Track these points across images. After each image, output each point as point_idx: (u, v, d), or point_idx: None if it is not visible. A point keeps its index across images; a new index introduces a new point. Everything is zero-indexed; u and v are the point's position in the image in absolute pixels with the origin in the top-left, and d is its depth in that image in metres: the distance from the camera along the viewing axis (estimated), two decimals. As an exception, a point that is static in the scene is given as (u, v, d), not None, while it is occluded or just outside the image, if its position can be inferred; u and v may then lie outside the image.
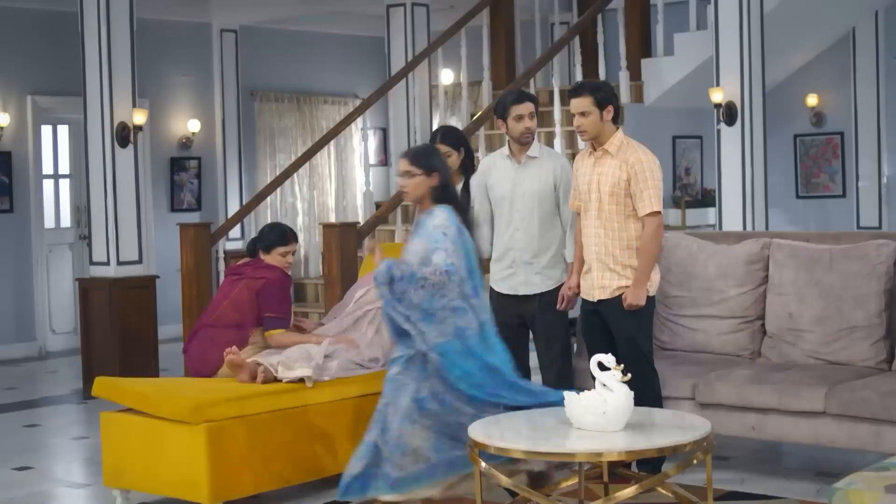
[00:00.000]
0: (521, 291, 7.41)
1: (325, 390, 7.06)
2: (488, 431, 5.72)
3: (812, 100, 14.42)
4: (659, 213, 6.79)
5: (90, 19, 10.94)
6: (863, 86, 14.12)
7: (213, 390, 6.84)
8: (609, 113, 6.85)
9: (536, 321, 7.44)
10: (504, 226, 7.45)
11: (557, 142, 11.71)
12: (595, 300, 6.97)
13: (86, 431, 9.26)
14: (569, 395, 5.70)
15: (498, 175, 7.47)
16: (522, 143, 7.39)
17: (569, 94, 6.99)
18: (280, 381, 7.00)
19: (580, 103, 6.85)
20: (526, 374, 7.64)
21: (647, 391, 6.48)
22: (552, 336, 7.42)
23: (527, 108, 7.35)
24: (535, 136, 7.50)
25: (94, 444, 8.49)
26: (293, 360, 7.05)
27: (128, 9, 10.99)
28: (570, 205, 7.21)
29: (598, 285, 6.93)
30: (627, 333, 6.88)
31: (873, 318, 7.10)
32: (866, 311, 7.12)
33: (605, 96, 6.84)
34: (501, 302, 7.49)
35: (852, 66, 14.17)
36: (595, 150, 6.97)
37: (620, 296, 6.83)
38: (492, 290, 7.60)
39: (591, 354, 5.91)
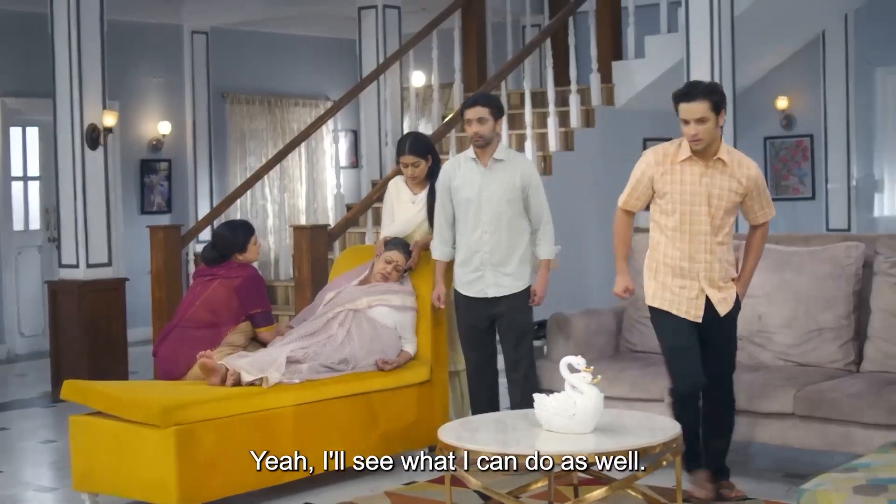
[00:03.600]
0: (491, 294, 7.42)
1: (295, 393, 7.04)
2: (458, 434, 5.73)
3: (782, 102, 14.47)
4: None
5: (60, 21, 10.89)
6: (832, 88, 14.17)
7: (182, 393, 6.82)
8: (722, 118, 6.41)
9: (504, 322, 7.45)
10: (470, 229, 7.45)
11: (528, 144, 11.71)
12: None
13: (54, 435, 9.21)
14: (538, 398, 5.72)
15: (463, 178, 7.47)
16: (475, 146, 7.43)
17: (678, 98, 6.41)
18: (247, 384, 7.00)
19: (697, 106, 6.33)
20: (495, 376, 7.66)
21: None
22: (519, 338, 7.45)
23: (475, 112, 7.38)
24: (501, 139, 7.51)
25: (62, 448, 8.45)
26: (259, 365, 7.04)
27: (98, 10, 10.94)
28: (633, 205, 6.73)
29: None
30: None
31: (842, 319, 7.14)
32: (835, 312, 7.15)
33: (720, 99, 6.39)
34: (469, 305, 7.52)
35: (822, 68, 14.22)
36: (695, 156, 6.43)
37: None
38: (457, 293, 7.61)
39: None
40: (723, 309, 6.50)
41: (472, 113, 7.39)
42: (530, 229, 7.50)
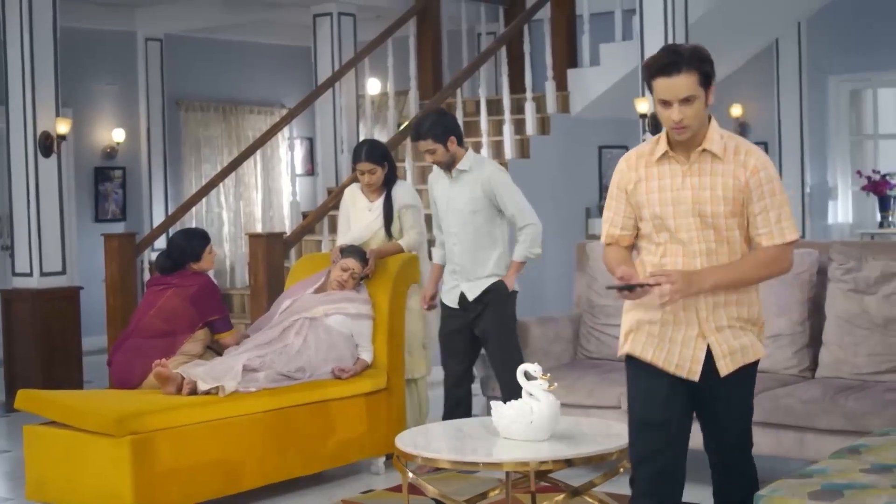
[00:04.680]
0: (470, 298, 7.39)
1: (252, 401, 7.01)
2: (415, 441, 5.72)
3: (736, 110, 14.55)
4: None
5: (13, 27, 10.82)
6: (786, 96, 14.28)
7: (137, 402, 6.78)
8: (712, 94, 4.60)
9: (482, 324, 7.41)
10: (447, 239, 7.47)
11: (484, 152, 11.75)
12: None
13: (8, 445, 9.14)
14: (495, 405, 5.71)
15: (439, 188, 7.52)
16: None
17: (656, 71, 4.52)
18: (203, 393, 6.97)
19: (683, 82, 4.50)
20: (470, 387, 7.59)
21: None
22: (500, 334, 7.40)
23: (422, 146, 7.40)
24: (467, 150, 7.46)
25: (16, 458, 8.39)
26: (215, 374, 7.01)
27: (51, 17, 10.87)
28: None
29: None
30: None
31: (796, 326, 7.17)
32: (790, 319, 7.19)
33: (711, 68, 4.57)
34: (448, 313, 7.52)
35: (776, 76, 14.32)
36: (673, 150, 4.67)
37: None
38: (441, 301, 7.60)
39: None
40: (726, 365, 4.68)
41: (420, 147, 7.41)
42: (505, 238, 7.46)
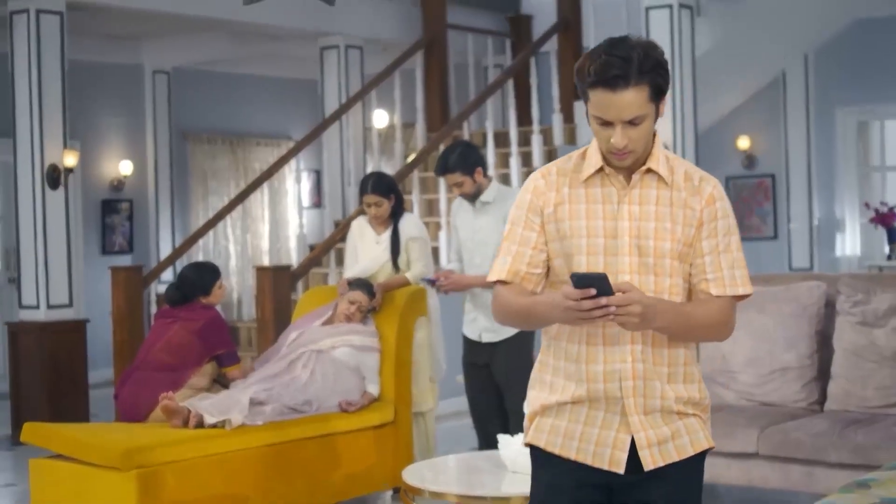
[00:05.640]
0: (486, 339, 7.36)
1: (259, 435, 6.99)
2: (422, 475, 5.70)
3: (744, 142, 14.56)
4: None
5: (20, 60, 10.84)
6: (793, 128, 14.28)
7: (144, 435, 6.76)
8: (664, 106, 3.55)
9: (496, 368, 7.35)
10: (468, 271, 7.43)
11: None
12: None
13: (14, 478, 9.12)
14: (503, 438, 5.69)
15: (462, 218, 7.49)
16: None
17: (595, 81, 3.41)
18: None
19: (630, 98, 3.43)
20: (503, 420, 7.42)
21: None
22: (511, 382, 7.30)
23: (449, 180, 7.37)
24: (491, 181, 7.44)
25: (22, 491, 8.37)
26: (222, 407, 6.99)
27: (59, 50, 10.90)
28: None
29: None
30: None
31: (805, 359, 7.15)
32: (798, 352, 7.17)
33: (665, 78, 3.47)
34: (468, 345, 7.47)
35: (783, 108, 14.33)
36: (608, 167, 3.62)
37: None
38: (463, 333, 7.57)
39: None
40: (651, 457, 3.56)
41: (448, 180, 7.38)
42: None
